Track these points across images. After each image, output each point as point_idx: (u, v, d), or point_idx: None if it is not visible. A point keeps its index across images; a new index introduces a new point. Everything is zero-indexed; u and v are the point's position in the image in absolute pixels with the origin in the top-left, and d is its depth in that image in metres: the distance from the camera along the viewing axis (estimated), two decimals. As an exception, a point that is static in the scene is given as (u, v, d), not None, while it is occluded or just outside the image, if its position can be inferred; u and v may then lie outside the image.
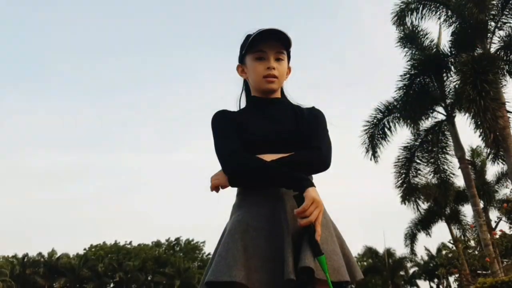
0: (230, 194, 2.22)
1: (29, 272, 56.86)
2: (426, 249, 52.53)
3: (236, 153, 2.08)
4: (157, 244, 63.98)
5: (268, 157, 2.04)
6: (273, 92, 2.30)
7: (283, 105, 2.33)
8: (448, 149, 19.54)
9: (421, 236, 30.67)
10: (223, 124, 2.22)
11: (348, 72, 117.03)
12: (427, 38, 18.81)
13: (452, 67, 17.93)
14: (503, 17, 16.67)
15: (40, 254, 60.45)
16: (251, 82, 2.34)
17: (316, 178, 2.17)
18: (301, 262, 1.83)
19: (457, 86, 17.73)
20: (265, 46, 2.23)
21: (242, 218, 2.05)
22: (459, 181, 21.27)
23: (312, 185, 1.96)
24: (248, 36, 2.27)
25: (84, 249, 62.54)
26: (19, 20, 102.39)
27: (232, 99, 2.45)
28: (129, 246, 63.08)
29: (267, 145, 2.10)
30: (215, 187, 2.17)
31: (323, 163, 2.14)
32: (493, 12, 16.78)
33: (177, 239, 64.23)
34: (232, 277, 1.85)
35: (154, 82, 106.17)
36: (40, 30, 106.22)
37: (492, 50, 17.02)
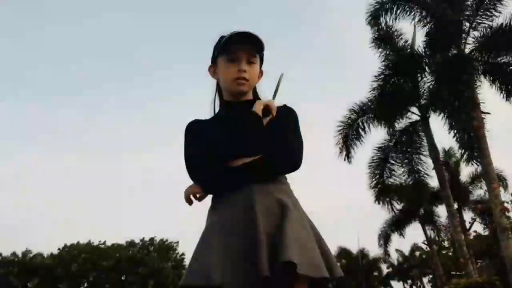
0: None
1: (3, 272, 56.21)
2: (398, 250, 52.93)
3: (202, 162, 2.17)
4: (131, 243, 63.53)
5: (238, 162, 2.10)
6: (243, 94, 2.32)
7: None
8: (422, 150, 19.56)
9: (395, 236, 30.76)
10: (192, 136, 2.30)
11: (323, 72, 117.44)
12: (401, 38, 18.71)
13: (427, 68, 17.91)
14: (478, 17, 16.63)
15: (14, 253, 59.84)
16: (222, 83, 2.37)
17: (290, 177, 2.25)
18: (282, 257, 1.85)
19: (431, 86, 17.86)
20: (238, 49, 2.26)
21: (216, 220, 2.10)
22: (433, 182, 21.30)
23: None
24: (222, 37, 2.30)
25: (58, 249, 61.89)
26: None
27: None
28: (103, 246, 62.62)
29: (236, 153, 2.13)
30: (188, 198, 2.24)
31: (293, 163, 2.17)
32: (467, 13, 16.75)
33: (151, 239, 63.87)
34: (207, 280, 1.87)
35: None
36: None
37: (467, 50, 16.98)
